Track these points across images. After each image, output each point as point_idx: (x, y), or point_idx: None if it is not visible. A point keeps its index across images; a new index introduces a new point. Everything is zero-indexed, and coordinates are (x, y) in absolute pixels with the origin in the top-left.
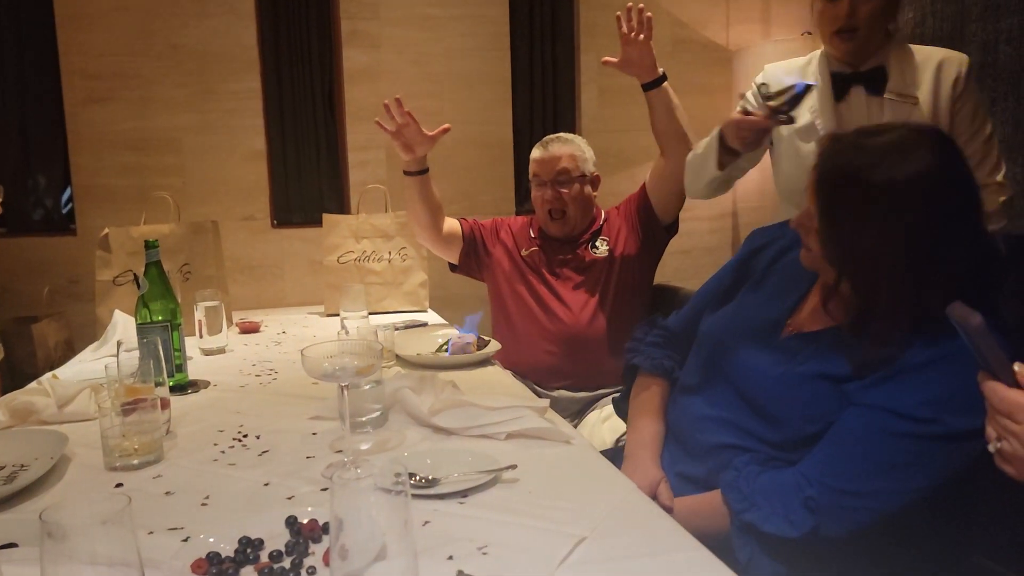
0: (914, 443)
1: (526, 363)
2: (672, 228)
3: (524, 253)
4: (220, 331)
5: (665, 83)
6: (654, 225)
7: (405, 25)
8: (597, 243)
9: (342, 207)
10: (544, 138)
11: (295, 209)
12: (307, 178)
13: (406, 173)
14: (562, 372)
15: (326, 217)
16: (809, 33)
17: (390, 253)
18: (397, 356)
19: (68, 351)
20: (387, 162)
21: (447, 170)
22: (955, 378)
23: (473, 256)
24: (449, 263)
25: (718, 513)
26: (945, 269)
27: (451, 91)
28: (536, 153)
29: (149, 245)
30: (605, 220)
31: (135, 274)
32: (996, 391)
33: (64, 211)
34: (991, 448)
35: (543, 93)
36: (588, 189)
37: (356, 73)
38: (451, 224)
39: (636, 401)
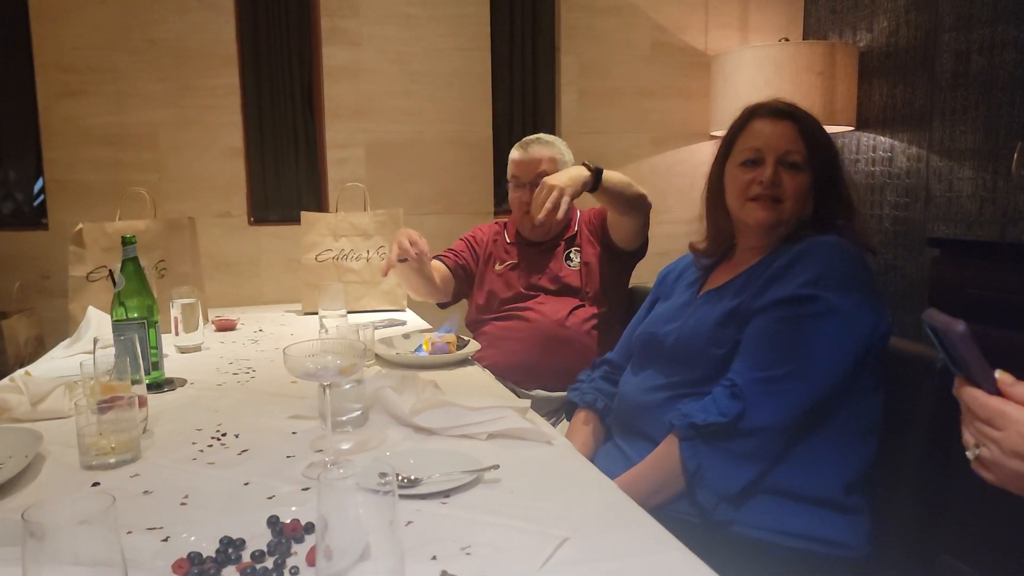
0: (805, 322)
1: (503, 363)
2: (640, 251)
3: (498, 268)
4: (196, 328)
5: (602, 176)
6: (618, 251)
7: (385, 23)
8: (571, 254)
9: (320, 205)
10: (524, 139)
11: (272, 206)
12: (285, 175)
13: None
14: (538, 372)
15: (304, 215)
16: (786, 39)
17: (368, 252)
18: (377, 355)
19: (39, 347)
20: (366, 160)
21: (425, 169)
22: (821, 263)
23: (467, 285)
24: (437, 303)
25: (663, 461)
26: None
27: (431, 90)
28: (515, 154)
29: (126, 241)
30: (579, 224)
31: (111, 270)
32: (976, 398)
33: (35, 204)
34: (969, 455)
35: (523, 93)
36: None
37: (336, 71)
38: (439, 270)
39: (572, 430)
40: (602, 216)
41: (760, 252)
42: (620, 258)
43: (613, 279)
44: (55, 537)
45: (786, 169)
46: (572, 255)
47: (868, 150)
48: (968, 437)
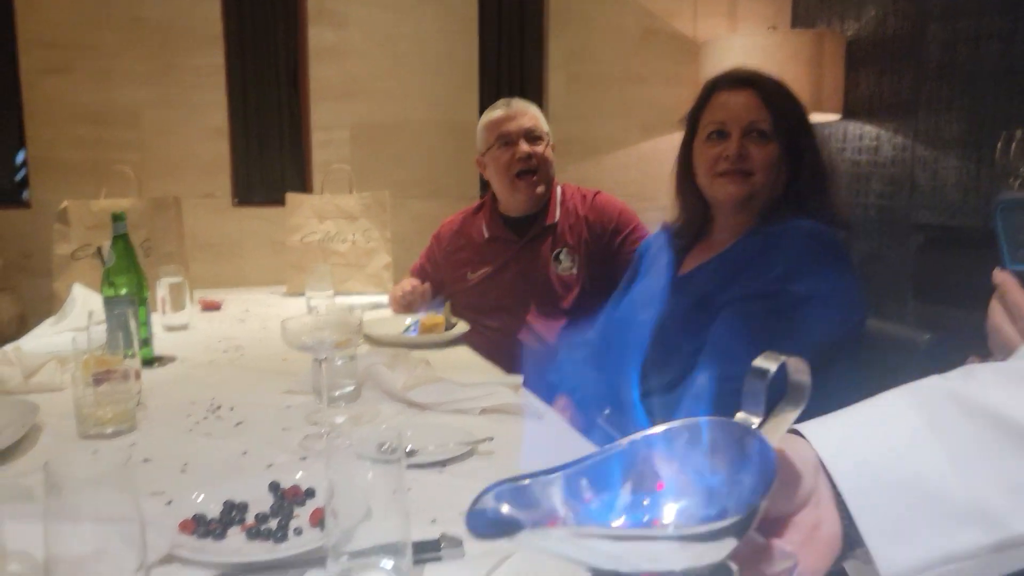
0: (772, 317)
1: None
2: None
3: (472, 278)
4: (183, 307)
5: None
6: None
7: (372, 5)
8: (562, 256)
9: (305, 187)
10: (496, 102)
11: (256, 188)
12: (269, 156)
13: None
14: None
15: (289, 196)
16: (775, 28)
17: (354, 235)
18: (366, 336)
19: (21, 327)
20: (351, 142)
21: (410, 153)
22: (791, 255)
23: (442, 288)
24: None
25: None
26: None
27: (417, 73)
28: (498, 113)
29: (116, 217)
30: (563, 204)
31: (99, 247)
32: None
33: (15, 181)
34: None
35: (511, 78)
36: (551, 153)
37: (322, 52)
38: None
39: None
40: (605, 225)
41: (735, 232)
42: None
43: (608, 280)
44: (74, 491)
45: (753, 140)
46: (563, 256)
47: (855, 139)
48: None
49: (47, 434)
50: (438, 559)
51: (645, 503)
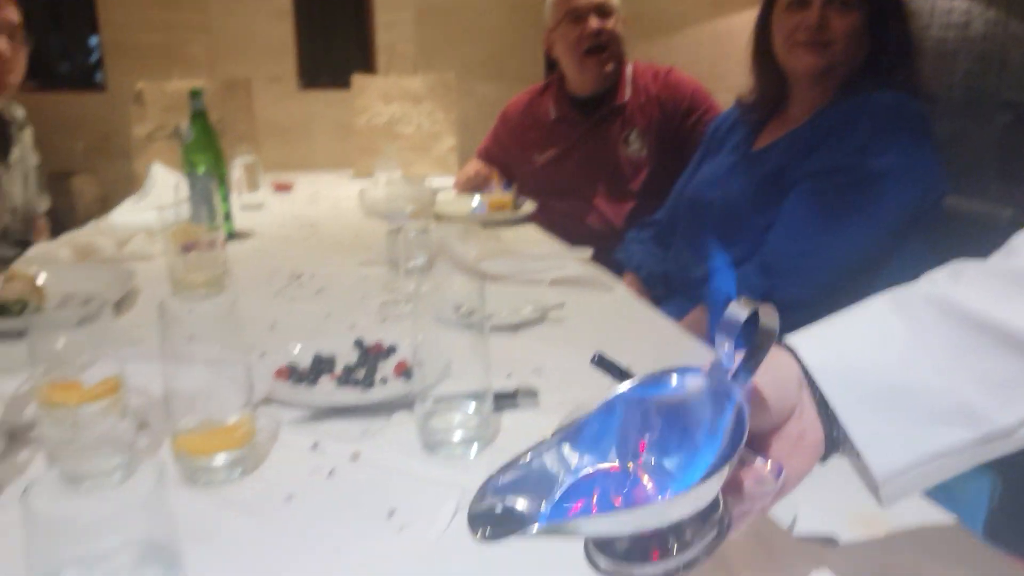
0: (848, 191)
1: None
2: None
3: (539, 159)
4: (257, 188)
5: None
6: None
7: None
8: (631, 137)
9: (369, 69)
10: None
11: (322, 70)
12: (334, 38)
13: None
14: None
15: (356, 78)
16: None
17: (419, 117)
18: (436, 214)
19: (103, 207)
20: (415, 23)
21: (475, 34)
22: (870, 128)
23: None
24: None
25: (698, 327)
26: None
27: None
28: None
29: (194, 94)
30: (633, 82)
31: (177, 125)
32: None
33: (89, 65)
34: None
35: None
36: (622, 28)
37: None
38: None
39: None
40: (677, 104)
41: (812, 105)
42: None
43: (677, 167)
44: (185, 335)
45: (834, 9)
46: (632, 138)
47: (943, 14)
48: None
49: (144, 297)
50: (515, 407)
51: (630, 466)
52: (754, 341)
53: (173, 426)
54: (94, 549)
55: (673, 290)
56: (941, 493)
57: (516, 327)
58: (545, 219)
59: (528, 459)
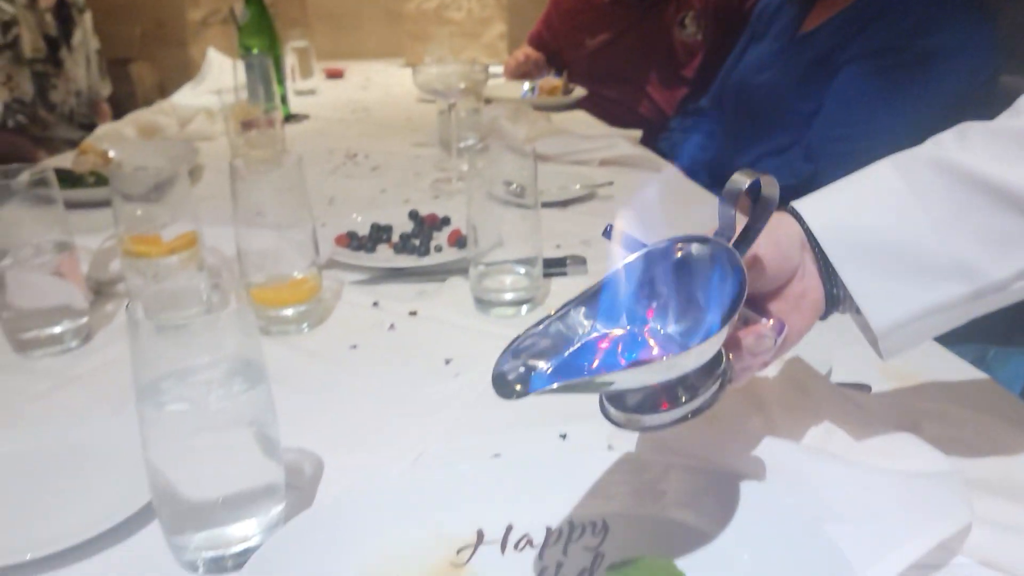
0: (898, 72)
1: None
2: None
3: (590, 44)
4: (310, 73)
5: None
6: None
7: None
8: (686, 20)
9: None
10: None
11: None
12: None
13: None
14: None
15: None
16: None
17: (469, 2)
18: (487, 99)
19: (162, 93)
20: None
21: None
22: (921, 5)
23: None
24: None
25: None
26: None
27: None
28: None
29: None
30: None
31: (232, 8)
32: None
33: None
34: None
35: None
36: None
37: None
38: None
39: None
40: None
41: None
42: None
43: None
44: (256, 198)
45: None
46: (688, 21)
47: None
48: None
49: (208, 173)
50: (563, 273)
51: (639, 326)
52: (756, 209)
53: (245, 280)
54: (191, 363)
55: (717, 179)
56: (981, 367)
57: (565, 203)
58: (595, 107)
59: (547, 324)
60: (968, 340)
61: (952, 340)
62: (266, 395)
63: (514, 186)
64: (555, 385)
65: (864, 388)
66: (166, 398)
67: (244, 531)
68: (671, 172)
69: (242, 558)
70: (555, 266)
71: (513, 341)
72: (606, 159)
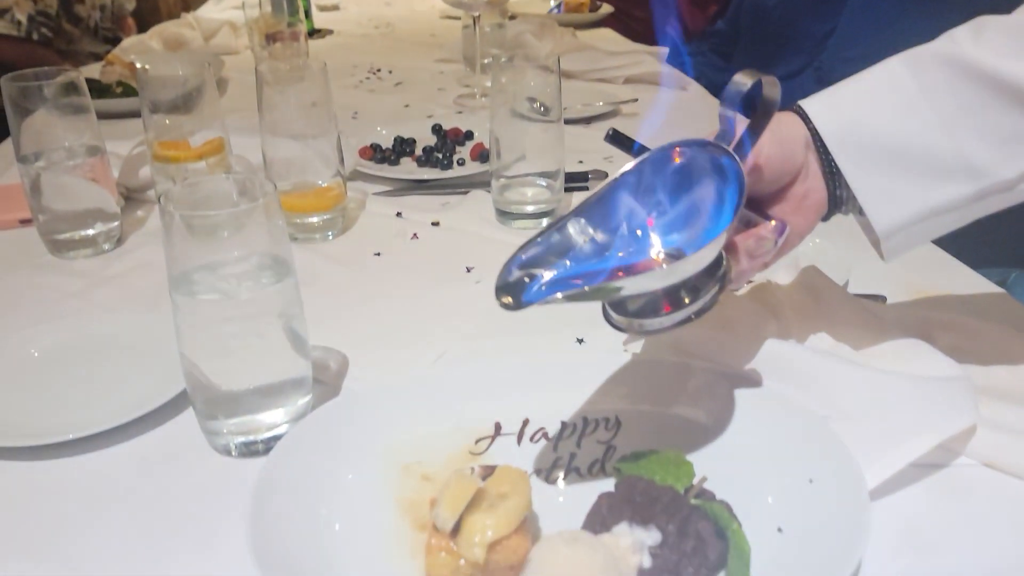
0: None
1: None
2: None
3: None
4: None
5: None
6: None
7: None
8: None
9: None
10: None
11: None
12: None
13: None
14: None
15: None
16: None
17: None
18: (511, 15)
19: (186, 8)
20: None
21: None
22: None
23: None
24: None
25: None
26: None
27: None
28: None
29: None
30: None
31: None
32: None
33: None
34: None
35: None
36: None
37: None
38: None
39: None
40: None
41: None
42: None
43: None
44: (281, 107)
45: None
46: None
47: None
48: None
49: (233, 86)
50: (585, 188)
51: (639, 233)
52: (757, 111)
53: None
54: (221, 257)
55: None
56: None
57: (589, 120)
58: (621, 24)
59: (548, 234)
60: (991, 264)
61: (975, 263)
62: (293, 288)
63: (537, 104)
64: (559, 295)
65: (879, 299)
66: (198, 288)
67: (274, 419)
68: (696, 89)
69: (272, 444)
70: (577, 179)
71: (515, 253)
72: (631, 77)
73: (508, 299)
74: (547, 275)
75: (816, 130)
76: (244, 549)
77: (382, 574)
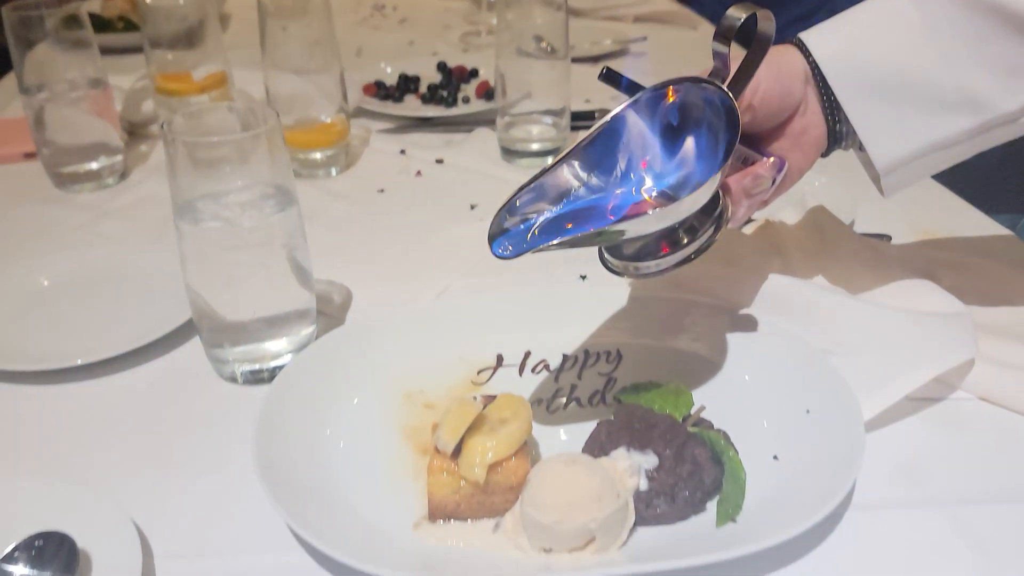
0: None
1: None
2: None
3: None
4: None
5: None
6: None
7: None
8: None
9: None
10: None
11: None
12: None
13: None
14: None
15: None
16: None
17: None
18: None
19: None
20: None
21: None
22: None
23: None
24: None
25: None
26: None
27: None
28: None
29: None
30: None
31: None
32: None
33: None
34: None
35: None
36: None
37: None
38: None
39: None
40: None
41: None
42: None
43: None
44: (283, 28)
45: None
46: None
47: None
48: None
49: (235, 21)
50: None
51: (633, 176)
52: (752, 46)
53: None
54: (225, 186)
55: None
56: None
57: (597, 59)
58: None
59: (541, 179)
60: (1003, 210)
61: (987, 209)
62: (296, 218)
63: (544, 44)
64: (555, 241)
65: (884, 238)
66: (202, 216)
67: (278, 348)
68: (706, 29)
69: (277, 372)
70: (584, 118)
71: (509, 199)
72: (640, 15)
73: (502, 248)
74: (540, 221)
75: (816, 63)
76: (250, 467)
77: (386, 493)
